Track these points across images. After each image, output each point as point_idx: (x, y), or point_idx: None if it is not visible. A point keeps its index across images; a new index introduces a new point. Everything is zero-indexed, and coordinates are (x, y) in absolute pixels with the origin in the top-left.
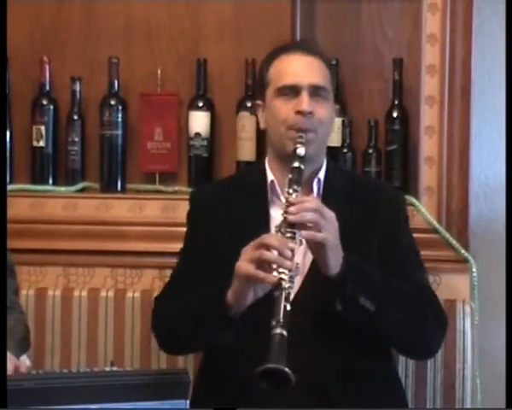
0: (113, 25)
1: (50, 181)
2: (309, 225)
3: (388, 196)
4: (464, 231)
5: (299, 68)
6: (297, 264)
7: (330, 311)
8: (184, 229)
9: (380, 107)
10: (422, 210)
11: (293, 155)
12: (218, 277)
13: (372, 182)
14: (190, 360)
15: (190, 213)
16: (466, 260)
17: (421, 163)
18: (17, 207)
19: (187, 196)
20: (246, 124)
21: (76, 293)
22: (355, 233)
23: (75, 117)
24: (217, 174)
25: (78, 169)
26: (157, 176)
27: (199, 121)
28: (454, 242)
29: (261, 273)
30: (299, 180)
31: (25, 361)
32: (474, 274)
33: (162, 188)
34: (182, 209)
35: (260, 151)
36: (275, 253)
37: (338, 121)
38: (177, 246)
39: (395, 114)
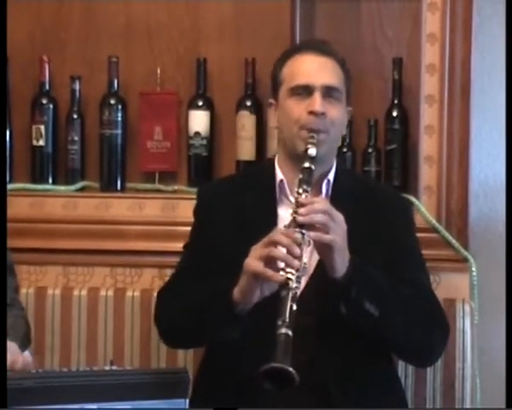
0: (113, 24)
1: (50, 180)
2: (317, 226)
3: (396, 201)
4: (464, 231)
5: (313, 68)
6: (304, 264)
7: (334, 312)
8: (184, 228)
9: (379, 106)
10: (422, 209)
11: (304, 156)
12: (223, 273)
13: (380, 186)
14: (190, 359)
15: (197, 209)
16: (466, 260)
17: (420, 162)
18: (17, 207)
19: (187, 196)
20: (245, 123)
21: (76, 292)
22: (361, 235)
23: (75, 116)
24: (216, 174)
25: (77, 168)
26: (157, 175)
27: (198, 120)
28: (454, 241)
29: (269, 271)
30: (310, 181)
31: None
32: (474, 273)
33: (162, 187)
34: (181, 208)
35: (260, 150)
36: (284, 251)
37: None
38: (177, 245)
39: (395, 114)
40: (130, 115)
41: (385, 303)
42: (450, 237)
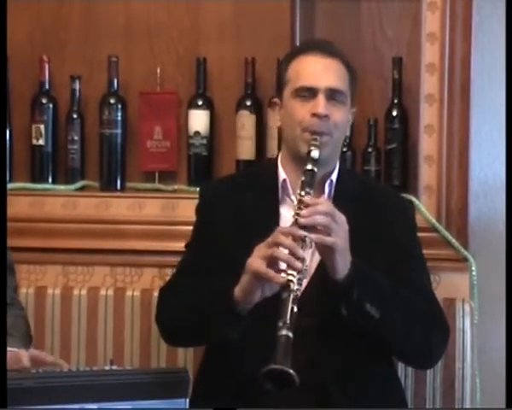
0: (113, 24)
1: (50, 180)
2: (319, 228)
3: (398, 203)
4: (464, 230)
5: (317, 70)
6: (306, 265)
7: (334, 313)
8: (184, 228)
9: (379, 106)
10: (422, 209)
11: (307, 158)
12: (224, 273)
13: (380, 186)
14: (190, 359)
15: (199, 207)
16: (465, 259)
17: (420, 162)
18: (17, 206)
19: (186, 195)
20: (245, 123)
21: (75, 292)
22: (362, 235)
23: (75, 116)
24: (216, 173)
25: (77, 168)
26: (156, 175)
27: (198, 120)
28: (453, 240)
29: (271, 272)
30: (312, 183)
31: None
32: (474, 273)
33: (162, 187)
34: (181, 208)
35: (260, 150)
36: (286, 252)
37: None
38: (177, 245)
39: (395, 113)
40: (130, 115)
41: (386, 305)
42: (450, 237)
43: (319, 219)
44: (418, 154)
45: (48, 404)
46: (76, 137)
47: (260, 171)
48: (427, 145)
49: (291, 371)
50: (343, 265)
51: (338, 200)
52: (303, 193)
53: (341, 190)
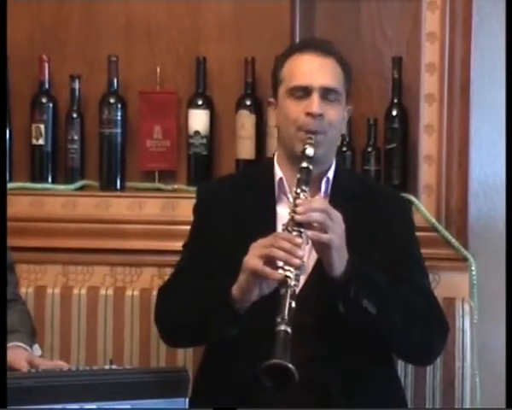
0: (113, 24)
1: (50, 179)
2: (315, 225)
3: (398, 202)
4: (464, 230)
5: (312, 69)
6: (303, 262)
7: (332, 311)
8: (184, 227)
9: (379, 105)
10: (422, 208)
11: (302, 156)
12: (223, 272)
13: (380, 186)
14: (190, 358)
15: (196, 207)
16: (465, 259)
17: (420, 161)
18: (16, 206)
19: (186, 195)
20: (245, 122)
21: (75, 291)
22: (360, 234)
23: (74, 115)
24: (216, 172)
25: (77, 167)
26: (156, 174)
27: (198, 120)
28: (453, 240)
29: (268, 270)
30: (308, 180)
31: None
32: (474, 273)
33: (161, 186)
34: (181, 207)
35: (260, 149)
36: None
37: None
38: (177, 244)
39: (394, 113)
40: (130, 114)
41: (383, 301)
42: (449, 237)
43: (315, 215)
44: (418, 153)
45: (47, 403)
46: (76, 137)
47: (258, 170)
48: (427, 145)
49: (290, 365)
50: (339, 262)
51: (334, 198)
52: (299, 190)
53: (338, 189)
